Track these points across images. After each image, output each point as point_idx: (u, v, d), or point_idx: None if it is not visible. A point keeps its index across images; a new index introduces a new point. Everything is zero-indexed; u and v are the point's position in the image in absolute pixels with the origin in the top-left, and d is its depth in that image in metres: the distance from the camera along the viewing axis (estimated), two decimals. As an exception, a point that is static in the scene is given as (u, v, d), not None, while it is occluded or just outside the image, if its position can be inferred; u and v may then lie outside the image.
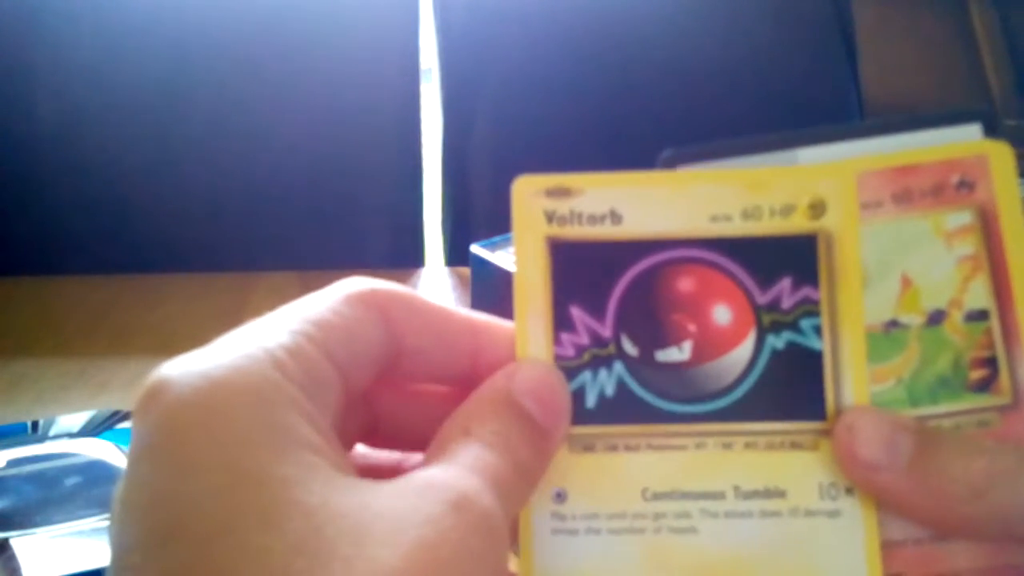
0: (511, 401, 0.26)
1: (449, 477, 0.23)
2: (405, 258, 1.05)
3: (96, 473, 0.58)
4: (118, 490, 0.22)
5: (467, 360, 0.27)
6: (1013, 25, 1.19)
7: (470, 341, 0.27)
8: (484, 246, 0.67)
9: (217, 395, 0.22)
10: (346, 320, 0.25)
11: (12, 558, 0.50)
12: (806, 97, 1.10)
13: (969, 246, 0.27)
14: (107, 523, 0.53)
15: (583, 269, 0.27)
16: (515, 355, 0.27)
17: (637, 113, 1.07)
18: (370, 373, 0.26)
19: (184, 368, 0.22)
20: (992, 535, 0.26)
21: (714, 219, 0.27)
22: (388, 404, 0.29)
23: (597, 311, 0.27)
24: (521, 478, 0.25)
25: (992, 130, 0.28)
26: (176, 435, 0.21)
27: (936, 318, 0.27)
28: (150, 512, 0.21)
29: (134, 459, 0.22)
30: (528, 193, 0.27)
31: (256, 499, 0.21)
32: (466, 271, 0.78)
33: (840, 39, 1.12)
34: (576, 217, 0.27)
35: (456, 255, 1.07)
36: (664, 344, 0.27)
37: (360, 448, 0.29)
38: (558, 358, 0.27)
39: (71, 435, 0.62)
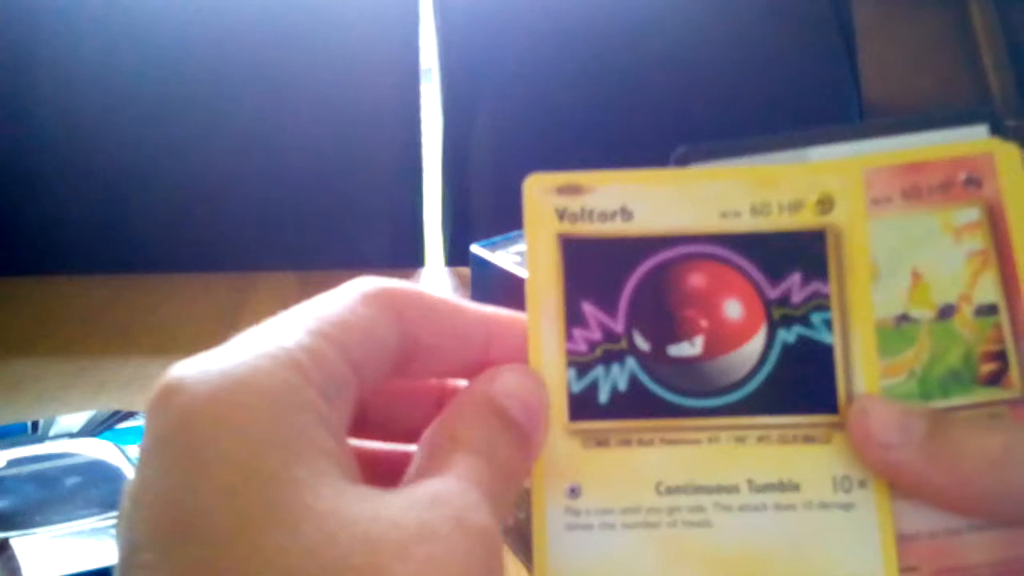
0: (493, 405, 0.26)
1: (452, 493, 0.23)
2: (405, 258, 1.05)
3: (96, 473, 0.58)
4: (129, 487, 0.22)
5: (479, 353, 0.27)
6: (1013, 25, 1.19)
7: (482, 334, 0.27)
8: (484, 246, 0.67)
9: (235, 394, 0.22)
10: (363, 320, 0.25)
11: (12, 558, 0.50)
12: (806, 97, 1.10)
13: (977, 241, 0.27)
14: (107, 523, 0.53)
15: (594, 265, 0.27)
16: (527, 351, 0.27)
17: (636, 113, 1.07)
18: (384, 373, 0.26)
19: (201, 367, 0.22)
20: (1009, 513, 0.26)
21: (724, 215, 0.27)
22: (377, 398, 0.28)
23: (609, 307, 0.27)
24: (507, 482, 0.25)
25: (998, 131, 0.28)
26: (191, 432, 0.21)
27: (946, 312, 0.27)
28: (163, 509, 0.21)
29: (147, 456, 0.22)
30: (539, 191, 0.28)
31: (269, 499, 0.20)
32: (466, 271, 0.78)
33: (840, 39, 1.12)
34: (587, 214, 0.27)
35: (456, 255, 1.07)
36: (676, 339, 0.27)
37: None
38: (570, 353, 0.27)
39: (71, 435, 0.62)
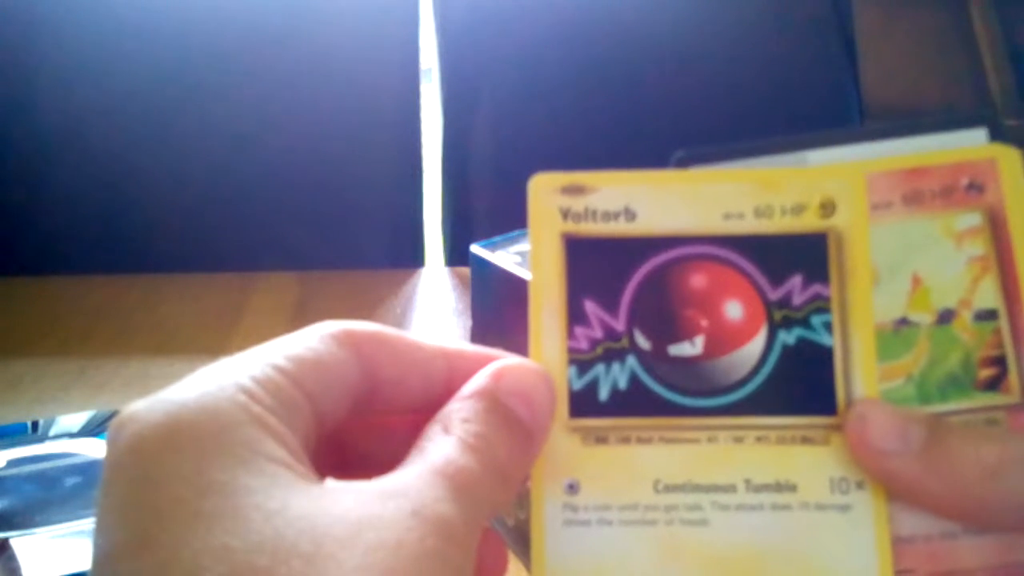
0: (496, 402, 0.26)
1: (410, 484, 0.24)
2: (405, 258, 1.05)
3: (96, 473, 0.58)
4: (95, 515, 0.23)
5: (442, 387, 0.28)
6: (1013, 25, 1.20)
7: (443, 368, 0.28)
8: (484, 246, 0.67)
9: (181, 417, 0.23)
10: (317, 354, 0.26)
11: (12, 558, 0.50)
12: (806, 98, 1.10)
13: (978, 247, 0.28)
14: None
15: (597, 264, 0.28)
16: (530, 349, 0.28)
17: (636, 113, 1.07)
18: (344, 405, 0.27)
19: (153, 400, 0.24)
20: (1005, 522, 0.26)
21: (727, 217, 0.28)
22: (357, 437, 0.29)
23: (611, 306, 0.28)
24: (498, 481, 0.25)
25: (998, 134, 0.28)
26: (142, 456, 0.23)
27: (946, 317, 0.28)
28: (120, 528, 0.22)
29: (105, 483, 0.23)
30: (544, 190, 0.28)
31: (214, 505, 0.22)
32: (466, 271, 0.78)
33: (840, 40, 1.12)
34: (591, 214, 0.28)
35: (456, 255, 1.07)
36: (677, 338, 0.28)
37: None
38: (572, 351, 0.28)
39: (71, 435, 0.62)
